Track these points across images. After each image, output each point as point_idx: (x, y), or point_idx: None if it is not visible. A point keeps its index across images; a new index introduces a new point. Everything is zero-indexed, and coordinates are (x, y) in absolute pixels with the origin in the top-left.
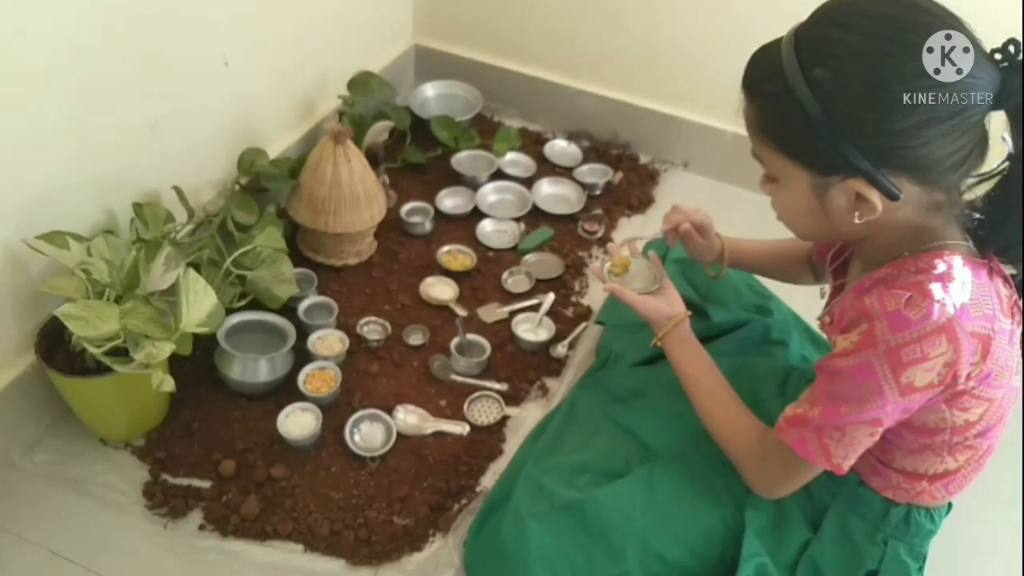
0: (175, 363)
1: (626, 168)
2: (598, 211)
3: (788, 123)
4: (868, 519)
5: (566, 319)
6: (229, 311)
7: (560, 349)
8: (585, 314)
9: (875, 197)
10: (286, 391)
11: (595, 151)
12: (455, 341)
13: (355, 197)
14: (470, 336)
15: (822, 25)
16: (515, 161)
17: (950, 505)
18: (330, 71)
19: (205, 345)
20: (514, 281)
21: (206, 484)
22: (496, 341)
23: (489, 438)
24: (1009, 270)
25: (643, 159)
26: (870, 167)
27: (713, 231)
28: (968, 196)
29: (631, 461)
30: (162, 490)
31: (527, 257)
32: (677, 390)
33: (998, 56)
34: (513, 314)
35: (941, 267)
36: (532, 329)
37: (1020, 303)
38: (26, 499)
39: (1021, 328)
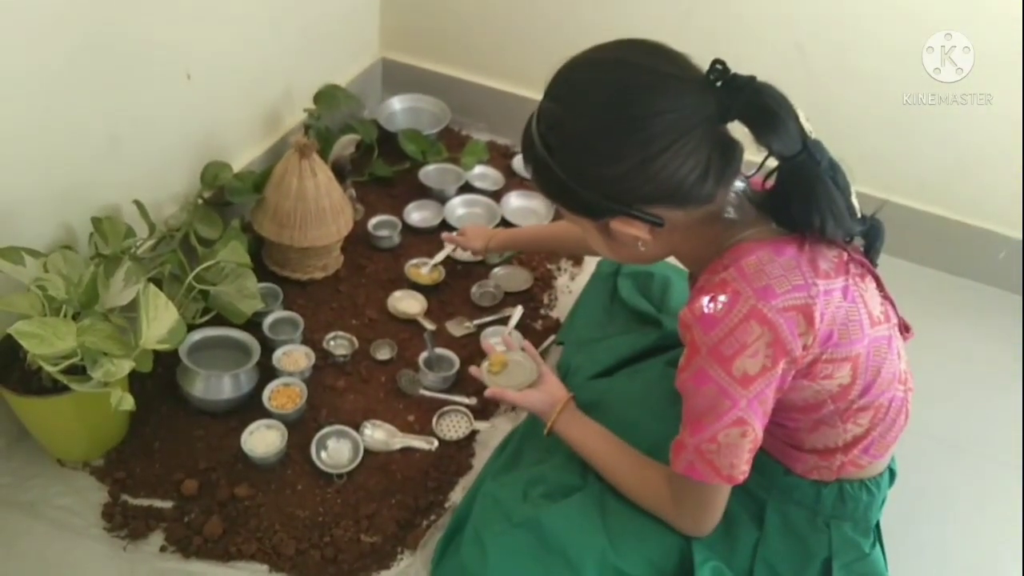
0: (135, 381)
1: None
2: None
3: (550, 183)
4: (804, 504)
5: (535, 332)
6: (192, 327)
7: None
8: (554, 327)
9: (639, 230)
10: (250, 408)
11: None
12: (423, 355)
13: (321, 211)
14: (438, 350)
15: (548, 97)
16: (483, 174)
17: (892, 473)
18: (296, 84)
19: (167, 362)
20: (482, 295)
21: (167, 504)
22: (465, 355)
23: (458, 453)
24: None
25: None
26: (620, 207)
27: (479, 240)
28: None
29: (586, 473)
30: (122, 511)
31: (496, 270)
32: (633, 401)
33: (712, 77)
34: (481, 328)
35: (740, 258)
36: (501, 342)
37: (853, 257)
38: None
39: (870, 279)
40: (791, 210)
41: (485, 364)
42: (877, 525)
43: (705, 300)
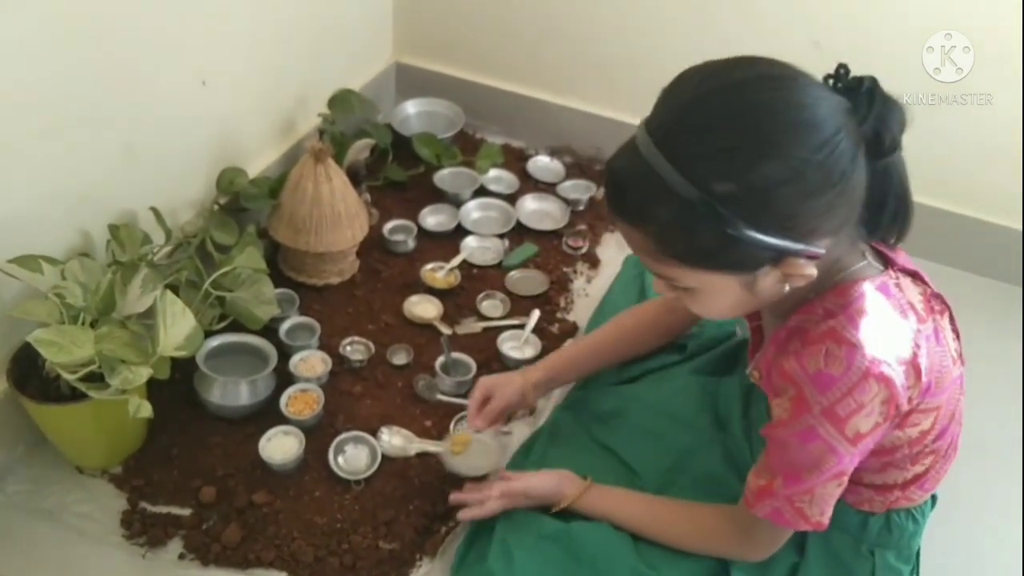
0: (153, 388)
1: None
2: (582, 226)
3: (701, 241)
4: (849, 532)
5: (552, 336)
6: (209, 333)
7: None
8: (571, 331)
9: (807, 268)
10: (268, 414)
11: (578, 167)
12: (440, 360)
13: (336, 216)
14: (455, 355)
15: (697, 134)
16: (498, 177)
17: (934, 499)
18: (310, 89)
19: (184, 368)
20: (489, 304)
21: (186, 512)
22: (482, 359)
23: None
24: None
25: None
26: (803, 247)
27: (514, 401)
28: None
29: (612, 482)
30: (140, 519)
31: (511, 274)
32: (656, 409)
33: (837, 83)
34: (489, 330)
35: (850, 303)
36: (518, 347)
37: (933, 292)
38: None
39: (946, 315)
40: (884, 214)
41: (447, 443)
42: (918, 551)
43: (821, 357)
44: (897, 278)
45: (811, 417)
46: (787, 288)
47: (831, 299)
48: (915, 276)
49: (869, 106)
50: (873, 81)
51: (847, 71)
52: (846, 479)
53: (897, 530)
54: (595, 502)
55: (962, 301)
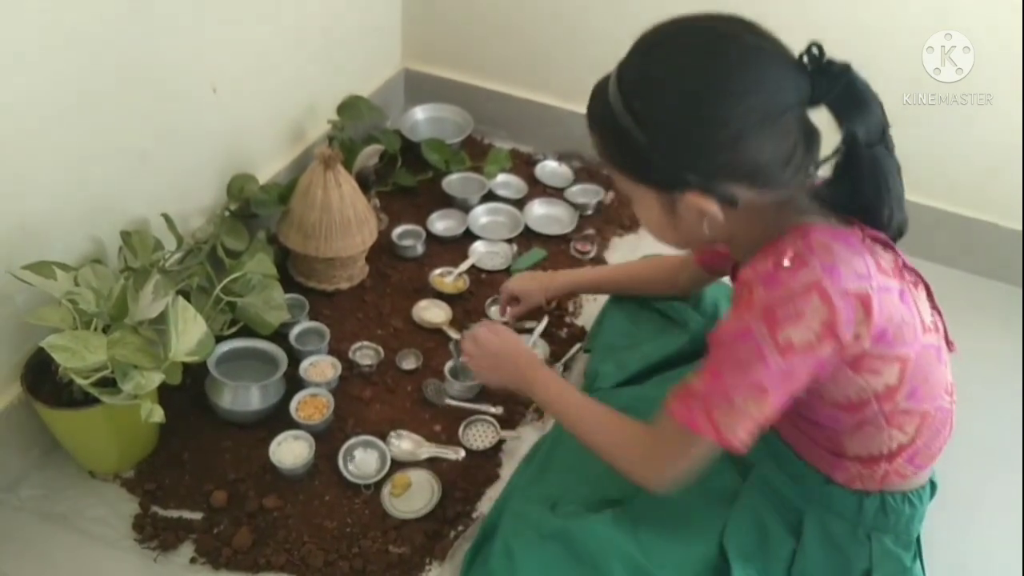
0: (164, 393)
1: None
2: (590, 231)
3: (624, 151)
4: (845, 516)
5: (560, 340)
6: (219, 338)
7: (555, 370)
8: (579, 335)
9: (713, 207)
10: (278, 419)
11: (586, 171)
12: (449, 365)
13: (346, 221)
14: (464, 359)
15: (636, 58)
16: (506, 182)
17: (934, 486)
18: (319, 96)
19: (195, 374)
20: (498, 309)
21: (197, 516)
22: None
23: (485, 463)
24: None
25: None
26: (701, 180)
27: (537, 293)
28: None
29: (621, 485)
30: (152, 523)
31: None
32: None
33: (805, 59)
34: None
35: (807, 235)
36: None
37: (906, 264)
38: (11, 535)
39: (923, 288)
40: (856, 199)
41: (387, 487)
42: (918, 539)
43: (771, 261)
44: (863, 237)
45: (751, 315)
46: (706, 229)
47: (792, 233)
48: (886, 245)
49: (827, 90)
50: (843, 69)
51: (821, 51)
52: (767, 405)
53: (893, 513)
54: (548, 379)
55: (962, 301)
